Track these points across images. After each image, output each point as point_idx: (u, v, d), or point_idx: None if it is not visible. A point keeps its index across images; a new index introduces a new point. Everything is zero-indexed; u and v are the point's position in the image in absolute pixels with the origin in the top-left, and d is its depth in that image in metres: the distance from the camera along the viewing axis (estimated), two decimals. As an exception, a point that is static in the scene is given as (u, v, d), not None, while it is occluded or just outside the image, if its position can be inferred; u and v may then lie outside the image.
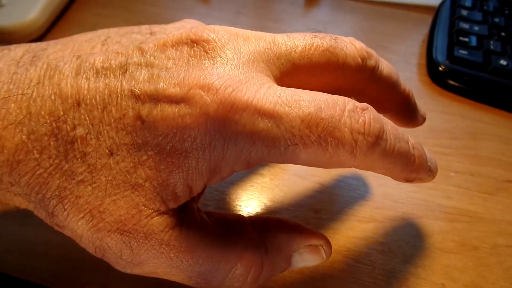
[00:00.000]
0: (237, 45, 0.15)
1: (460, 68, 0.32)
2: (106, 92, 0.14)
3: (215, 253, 0.15)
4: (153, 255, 0.15)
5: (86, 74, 0.14)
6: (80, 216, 0.14)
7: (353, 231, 0.22)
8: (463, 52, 0.32)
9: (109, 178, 0.14)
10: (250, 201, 0.23)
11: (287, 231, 0.17)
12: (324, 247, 0.17)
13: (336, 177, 0.25)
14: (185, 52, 0.15)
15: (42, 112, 0.14)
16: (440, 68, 0.32)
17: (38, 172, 0.14)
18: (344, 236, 0.22)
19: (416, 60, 0.35)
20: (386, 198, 0.24)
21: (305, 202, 0.23)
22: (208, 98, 0.14)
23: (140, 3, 0.39)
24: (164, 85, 0.14)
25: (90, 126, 0.14)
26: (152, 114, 0.14)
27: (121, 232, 0.14)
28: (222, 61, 0.15)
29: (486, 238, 0.22)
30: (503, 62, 0.31)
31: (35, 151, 0.14)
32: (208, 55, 0.15)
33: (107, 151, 0.14)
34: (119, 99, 0.14)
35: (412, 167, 0.17)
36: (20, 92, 0.14)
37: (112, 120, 0.14)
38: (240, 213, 0.23)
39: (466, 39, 0.34)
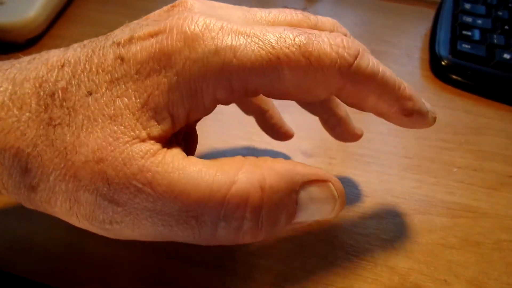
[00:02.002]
0: (214, 9, 0.16)
1: (463, 62, 0.32)
2: (90, 51, 0.15)
3: (204, 180, 0.14)
4: (134, 189, 0.13)
5: (73, 47, 0.15)
6: (54, 156, 0.14)
7: (355, 228, 0.22)
8: (466, 46, 0.32)
9: (87, 115, 0.14)
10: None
11: (286, 162, 0.15)
12: (333, 183, 0.16)
13: (338, 174, 0.25)
14: (164, 13, 0.16)
15: (27, 77, 0.14)
16: (443, 63, 0.32)
17: (15, 126, 0.14)
18: (346, 233, 0.22)
19: (418, 54, 0.35)
20: (388, 194, 0.24)
21: (307, 199, 0.23)
22: (184, 23, 0.14)
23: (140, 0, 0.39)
24: (143, 29, 0.15)
25: (72, 77, 0.14)
26: (131, 50, 0.14)
27: (97, 160, 0.13)
28: (199, 12, 0.15)
29: (489, 234, 0.22)
30: (506, 56, 0.31)
31: (15, 109, 0.14)
32: (185, 10, 0.16)
33: (86, 92, 0.14)
34: (101, 50, 0.15)
35: (404, 93, 0.16)
36: (9, 66, 0.15)
37: (93, 66, 0.14)
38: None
39: (469, 33, 0.33)
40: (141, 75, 0.14)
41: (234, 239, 0.14)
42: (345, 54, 0.15)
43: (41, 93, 0.14)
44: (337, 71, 0.15)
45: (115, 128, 0.14)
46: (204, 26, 0.14)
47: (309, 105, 0.23)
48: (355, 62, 0.15)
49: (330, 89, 0.15)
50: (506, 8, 0.36)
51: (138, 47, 0.14)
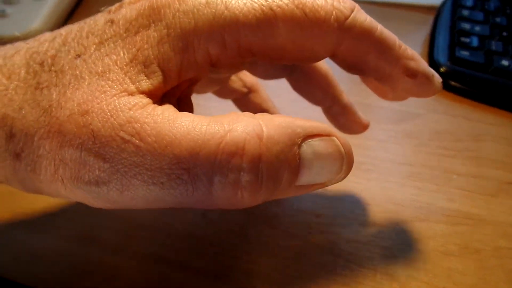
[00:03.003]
0: None
1: (461, 69, 0.32)
2: (82, 22, 0.15)
3: (196, 129, 0.13)
4: (121, 141, 0.13)
5: (67, 25, 0.15)
6: (39, 115, 0.13)
7: (355, 235, 0.22)
8: (464, 53, 0.32)
9: (74, 74, 0.13)
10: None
11: (285, 116, 0.14)
12: (338, 138, 0.14)
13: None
14: None
15: (18, 51, 0.14)
16: (441, 70, 0.32)
17: (3, 94, 0.14)
18: (346, 241, 0.22)
19: (417, 61, 0.35)
20: (388, 201, 0.24)
21: (307, 207, 0.23)
22: None
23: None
24: None
25: (62, 45, 0.14)
26: (121, 12, 0.14)
27: (82, 112, 0.13)
28: None
29: (488, 241, 0.22)
30: (504, 62, 0.31)
31: (4, 79, 0.14)
32: None
33: (75, 55, 0.14)
34: (92, 19, 0.15)
35: (406, 52, 0.16)
36: (3, 46, 0.15)
37: (84, 33, 0.14)
38: (242, 218, 0.23)
39: (468, 40, 0.33)
40: (130, 32, 0.14)
41: (232, 196, 0.13)
42: (341, 6, 0.14)
43: (31, 63, 0.14)
44: (334, 23, 0.14)
45: (103, 83, 0.13)
46: None
47: (311, 94, 0.23)
48: (352, 14, 0.15)
49: (327, 45, 0.15)
50: (504, 15, 0.36)
51: (128, 9, 0.14)
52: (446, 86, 0.32)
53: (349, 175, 0.25)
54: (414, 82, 0.16)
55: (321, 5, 0.14)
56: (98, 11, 0.15)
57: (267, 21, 0.14)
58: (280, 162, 0.13)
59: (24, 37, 0.30)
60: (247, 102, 0.24)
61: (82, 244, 0.21)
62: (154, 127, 0.13)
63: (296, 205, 0.23)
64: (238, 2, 0.14)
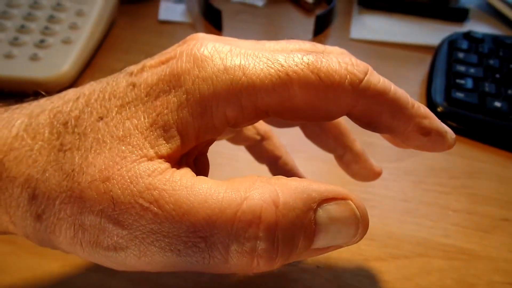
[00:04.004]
0: (223, 39, 0.17)
1: (457, 109, 0.34)
2: (105, 83, 0.15)
3: (213, 197, 0.13)
4: (139, 208, 0.13)
5: (90, 83, 0.16)
6: (62, 179, 0.14)
7: (360, 270, 0.24)
8: (459, 94, 0.35)
9: (96, 137, 0.14)
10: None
11: (301, 180, 0.15)
12: (354, 201, 0.14)
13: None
14: (176, 47, 0.16)
15: (43, 110, 0.15)
16: (438, 109, 0.35)
17: (28, 155, 0.14)
18: (352, 275, 0.24)
19: (417, 100, 0.38)
20: (390, 237, 0.26)
21: (316, 243, 0.25)
22: (194, 47, 0.15)
23: (160, 48, 0.42)
24: (155, 58, 0.16)
25: (85, 106, 0.15)
26: (143, 76, 0.15)
27: (103, 179, 0.13)
28: (208, 40, 0.16)
29: (482, 276, 0.24)
30: (497, 104, 0.34)
31: (28, 139, 0.14)
32: (196, 40, 0.16)
33: (97, 117, 0.14)
34: (114, 80, 0.15)
35: (419, 111, 0.16)
36: (29, 104, 0.16)
37: (106, 94, 0.15)
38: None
39: (463, 81, 0.36)
40: (150, 96, 0.14)
41: (248, 264, 0.13)
42: (355, 70, 0.15)
43: (55, 123, 0.15)
44: (348, 86, 0.15)
45: (123, 148, 0.14)
46: (213, 49, 0.15)
47: (324, 142, 0.23)
48: (365, 77, 0.15)
49: (342, 107, 0.16)
50: (497, 57, 0.39)
51: (149, 73, 0.15)
52: (443, 125, 0.35)
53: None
54: (428, 139, 0.17)
55: (335, 69, 0.15)
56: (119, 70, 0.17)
57: (283, 86, 0.15)
58: (296, 228, 0.13)
59: (55, 78, 0.33)
60: (260, 149, 0.25)
61: (107, 276, 0.23)
62: (172, 194, 0.13)
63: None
64: (255, 68, 0.14)
